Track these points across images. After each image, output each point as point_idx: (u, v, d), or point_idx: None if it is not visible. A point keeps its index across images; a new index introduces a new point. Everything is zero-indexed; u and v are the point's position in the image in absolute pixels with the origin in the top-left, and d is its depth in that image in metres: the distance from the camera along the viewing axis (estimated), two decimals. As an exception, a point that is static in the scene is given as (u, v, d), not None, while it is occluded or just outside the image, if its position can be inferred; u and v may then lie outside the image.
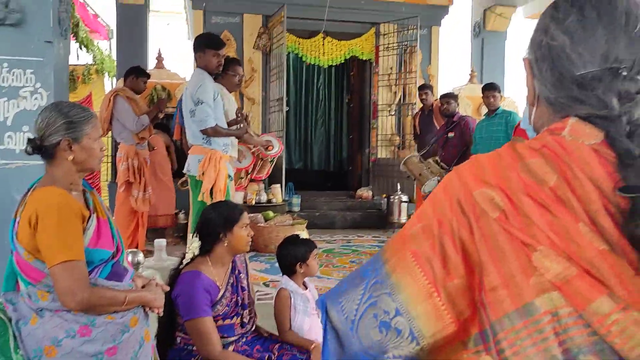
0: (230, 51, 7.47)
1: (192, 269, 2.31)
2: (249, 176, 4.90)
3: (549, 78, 0.83)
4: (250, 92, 7.75)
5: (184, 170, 3.88)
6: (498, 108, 5.28)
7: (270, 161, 4.84)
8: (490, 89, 5.27)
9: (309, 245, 2.69)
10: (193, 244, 2.33)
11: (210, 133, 3.61)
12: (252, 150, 4.70)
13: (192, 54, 3.88)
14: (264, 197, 6.59)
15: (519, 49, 9.00)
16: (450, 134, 5.65)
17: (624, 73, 0.76)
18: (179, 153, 5.90)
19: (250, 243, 2.47)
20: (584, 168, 0.75)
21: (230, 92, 4.27)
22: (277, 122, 7.43)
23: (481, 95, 5.56)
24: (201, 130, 3.60)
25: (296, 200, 7.54)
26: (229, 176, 3.77)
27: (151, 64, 7.53)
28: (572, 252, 0.72)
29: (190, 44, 10.04)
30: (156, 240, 3.38)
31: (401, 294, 0.80)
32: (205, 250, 2.39)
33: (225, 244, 2.38)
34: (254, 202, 6.49)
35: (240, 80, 4.34)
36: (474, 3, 8.40)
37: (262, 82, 7.81)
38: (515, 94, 7.91)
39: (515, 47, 8.51)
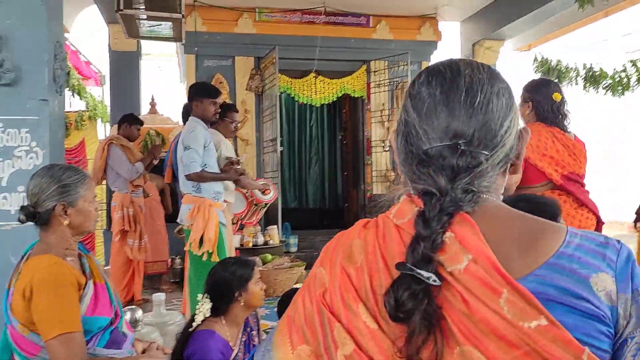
0: (223, 93, 7.49)
1: (207, 328, 2.26)
2: (240, 222, 4.86)
3: (402, 153, 0.85)
4: (244, 133, 7.75)
5: (178, 220, 3.83)
6: None
7: (263, 207, 4.81)
8: None
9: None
10: (204, 306, 2.26)
11: (194, 178, 3.58)
12: (247, 195, 4.67)
13: (185, 98, 3.90)
14: (260, 239, 6.52)
15: (509, 81, 9.14)
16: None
17: (462, 148, 0.77)
18: (175, 197, 5.86)
19: (264, 296, 2.43)
20: (384, 247, 0.79)
21: (227, 138, 4.27)
22: (272, 162, 7.42)
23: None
24: (185, 176, 3.57)
25: (293, 240, 7.47)
26: (222, 223, 3.71)
27: (144, 109, 7.55)
28: (352, 329, 0.77)
29: (182, 87, 10.06)
30: (154, 295, 3.31)
31: (275, 353, 0.86)
32: (219, 311, 2.33)
33: (242, 303, 2.33)
34: (250, 245, 6.41)
35: (237, 127, 4.35)
36: (462, 38, 8.52)
37: (255, 123, 7.83)
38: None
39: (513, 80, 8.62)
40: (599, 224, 2.97)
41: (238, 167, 3.92)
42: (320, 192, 9.54)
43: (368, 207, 8.15)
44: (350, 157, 8.75)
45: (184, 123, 4.47)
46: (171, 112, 7.79)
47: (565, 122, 2.97)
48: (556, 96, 2.95)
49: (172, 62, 15.42)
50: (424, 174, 0.79)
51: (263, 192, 4.48)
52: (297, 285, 2.64)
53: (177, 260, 6.62)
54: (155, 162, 5.35)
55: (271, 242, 6.62)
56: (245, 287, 2.37)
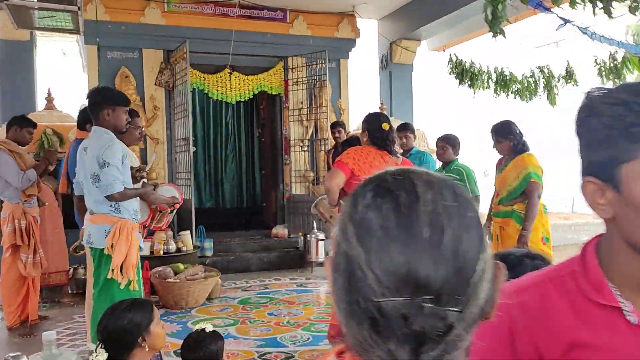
0: (130, 88, 7.00)
1: None
2: (147, 229, 4.50)
3: (342, 302, 0.61)
4: (153, 131, 7.29)
5: (83, 242, 3.43)
6: (412, 148, 5.24)
7: (171, 212, 4.47)
8: (404, 130, 5.22)
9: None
10: (98, 358, 1.97)
11: (118, 198, 3.21)
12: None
13: (87, 91, 3.46)
14: (172, 246, 6.14)
15: (425, 81, 9.16)
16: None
17: (429, 305, 0.56)
18: (68, 205, 5.28)
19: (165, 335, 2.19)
20: None
21: (129, 146, 3.89)
22: (185, 162, 7.03)
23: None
24: (106, 197, 3.19)
25: (208, 244, 7.13)
26: (140, 248, 3.38)
27: (41, 104, 6.88)
28: None
29: (85, 78, 9.29)
30: (44, 334, 2.91)
31: None
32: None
33: (146, 349, 2.09)
34: (161, 253, 6.03)
35: (141, 133, 3.97)
36: (380, 37, 8.48)
37: (166, 120, 7.38)
38: (424, 126, 8.02)
39: (420, 80, 8.70)
40: None
41: (143, 174, 3.56)
42: (238, 191, 9.23)
43: (287, 208, 7.95)
44: (269, 156, 8.51)
45: (81, 129, 4.01)
46: (73, 106, 7.16)
47: (393, 147, 3.69)
48: (384, 126, 3.65)
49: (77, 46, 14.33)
50: (378, 342, 0.58)
51: (172, 206, 4.14)
52: (200, 326, 2.34)
53: (80, 270, 6.10)
54: (51, 168, 4.83)
55: (184, 248, 6.26)
56: (147, 331, 2.12)
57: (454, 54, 7.96)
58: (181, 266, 5.64)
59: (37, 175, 4.63)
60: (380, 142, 3.63)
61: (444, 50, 8.42)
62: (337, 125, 6.61)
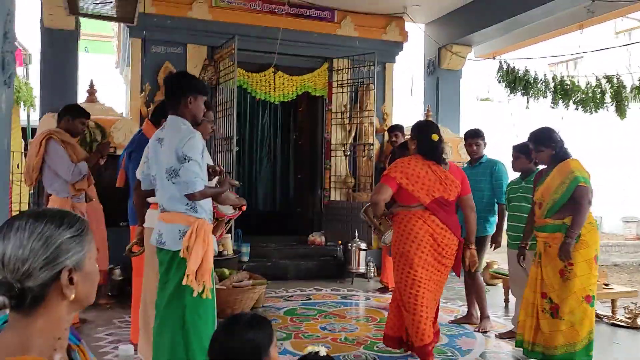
0: (172, 84, 6.73)
1: None
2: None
3: None
4: (193, 129, 7.01)
5: (152, 242, 3.12)
6: (482, 157, 4.93)
7: (227, 222, 4.18)
8: (475, 136, 4.91)
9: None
10: None
11: (198, 197, 2.91)
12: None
13: (127, 86, 3.17)
14: (215, 249, 5.84)
15: (472, 89, 8.86)
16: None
17: None
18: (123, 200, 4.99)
19: None
20: None
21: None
22: (226, 162, 6.74)
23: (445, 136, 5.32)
24: (187, 195, 2.89)
25: (245, 249, 6.84)
26: (215, 251, 3.09)
27: (81, 97, 6.61)
28: None
29: (118, 74, 9.05)
30: (121, 349, 2.62)
31: None
32: None
33: None
34: (203, 256, 5.72)
35: (213, 128, 3.69)
36: (428, 41, 8.20)
37: (207, 119, 7.10)
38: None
39: (467, 87, 8.41)
40: (460, 243, 3.77)
41: (219, 173, 3.26)
42: (271, 194, 8.93)
43: (325, 215, 7.65)
44: (307, 159, 8.21)
45: (155, 124, 3.71)
46: (110, 101, 6.89)
47: (442, 157, 3.74)
48: (434, 137, 3.73)
49: (103, 43, 14.16)
50: None
51: (239, 208, 3.85)
52: (313, 349, 2.02)
53: (117, 271, 5.82)
54: (102, 161, 4.55)
55: (225, 252, 5.97)
56: (267, 354, 1.83)
57: (505, 61, 7.68)
58: (226, 271, 5.35)
59: (88, 169, 4.36)
60: (429, 152, 3.70)
61: (493, 58, 8.12)
62: (395, 129, 6.31)
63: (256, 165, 8.80)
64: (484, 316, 4.83)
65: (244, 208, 3.84)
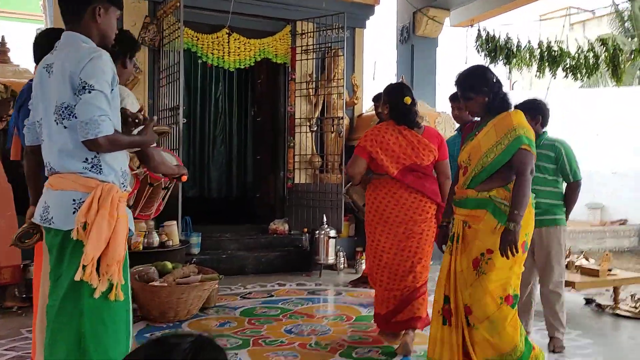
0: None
1: None
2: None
3: None
4: (132, 99, 5.95)
5: (35, 219, 2.12)
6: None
7: (165, 188, 3.19)
8: (455, 99, 4.10)
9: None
10: None
11: (104, 146, 1.92)
12: (135, 172, 3.03)
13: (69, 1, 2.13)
14: (155, 239, 4.84)
15: (446, 60, 8.02)
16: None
17: None
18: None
19: None
20: None
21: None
22: (172, 138, 5.71)
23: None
24: (86, 142, 1.91)
25: (196, 239, 5.83)
26: (130, 232, 2.11)
27: (-10, 56, 5.45)
28: None
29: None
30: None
31: None
32: None
33: None
34: (141, 247, 4.72)
35: (138, 68, 2.67)
36: (400, 4, 7.34)
37: (148, 87, 6.05)
38: (447, 108, 6.90)
39: (444, 57, 7.60)
40: (439, 207, 3.46)
41: (141, 117, 2.25)
42: (227, 178, 7.88)
43: (288, 199, 6.70)
44: (268, 138, 7.23)
45: (38, 56, 2.63)
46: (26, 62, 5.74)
47: (416, 120, 3.52)
48: (407, 100, 3.49)
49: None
50: None
51: (179, 178, 2.87)
52: None
53: (31, 268, 4.73)
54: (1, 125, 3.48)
55: (170, 242, 4.97)
56: None
57: (484, 29, 6.92)
58: (169, 265, 4.35)
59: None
60: (401, 117, 3.51)
61: (471, 25, 7.33)
62: (379, 99, 5.32)
63: (209, 146, 7.74)
64: None
65: (185, 178, 2.88)
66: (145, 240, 4.79)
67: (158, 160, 2.47)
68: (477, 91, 2.77)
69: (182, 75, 5.51)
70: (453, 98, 4.20)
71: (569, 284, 4.44)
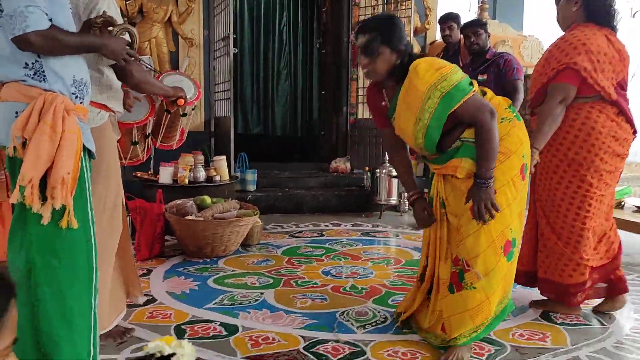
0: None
1: None
2: (148, 141, 2.95)
3: None
4: (187, 30, 5.74)
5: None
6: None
7: (183, 114, 2.92)
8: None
9: None
10: None
11: (37, 44, 1.62)
12: (152, 95, 2.78)
13: None
14: (201, 174, 4.67)
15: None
16: (481, 77, 3.79)
17: None
18: None
19: None
20: None
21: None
22: (225, 70, 5.46)
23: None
24: (15, 39, 1.63)
25: (251, 176, 5.64)
26: (87, 151, 1.83)
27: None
28: None
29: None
30: None
31: None
32: None
33: None
34: (187, 182, 4.57)
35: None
36: None
37: (203, 17, 5.80)
38: (538, 32, 6.05)
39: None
40: (635, 134, 2.71)
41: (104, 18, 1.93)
42: (292, 116, 7.58)
43: (351, 137, 6.30)
44: (331, 72, 6.78)
45: None
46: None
47: (615, 22, 2.65)
48: None
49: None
50: None
51: (175, 102, 2.59)
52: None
53: None
54: None
55: (217, 178, 4.78)
56: None
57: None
58: (208, 200, 4.16)
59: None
60: (604, 15, 2.63)
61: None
62: (448, 20, 4.60)
63: (273, 82, 7.43)
64: None
65: (181, 102, 2.59)
66: (192, 174, 4.63)
67: (140, 78, 2.18)
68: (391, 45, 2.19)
69: (232, 2, 5.17)
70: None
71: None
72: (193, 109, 3.19)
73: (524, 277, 2.89)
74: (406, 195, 2.23)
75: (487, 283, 2.21)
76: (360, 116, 6.22)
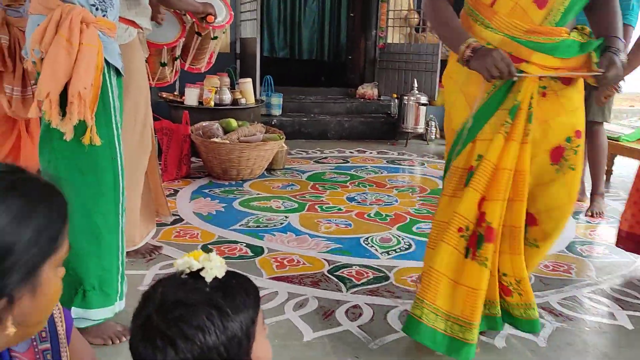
0: None
1: None
2: (177, 63, 2.90)
3: None
4: (212, -55, 5.50)
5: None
6: None
7: (214, 37, 2.84)
8: None
9: (250, 294, 0.84)
10: None
11: None
12: (181, 15, 2.70)
13: None
14: (227, 97, 4.62)
15: None
16: None
17: None
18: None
19: None
20: None
21: None
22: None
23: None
24: None
25: (276, 100, 5.57)
26: (110, 67, 1.77)
27: None
28: None
29: None
30: None
31: None
32: None
33: None
34: (212, 104, 4.53)
35: None
36: None
37: None
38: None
39: None
40: None
41: None
42: (319, 39, 7.36)
43: (379, 62, 6.13)
44: (360, -9, 6.51)
45: None
46: None
47: None
48: None
49: None
50: None
51: (203, 19, 2.50)
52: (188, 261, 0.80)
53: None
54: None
55: (243, 100, 4.73)
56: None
57: None
58: (233, 123, 4.13)
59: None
60: None
61: None
62: None
63: (300, 3, 7.17)
64: (596, 192, 3.38)
65: (211, 18, 2.50)
66: (217, 96, 4.58)
67: None
68: None
69: None
70: None
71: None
72: (224, 32, 3.10)
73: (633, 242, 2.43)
74: (462, 46, 1.60)
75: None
76: (389, 40, 6.01)
